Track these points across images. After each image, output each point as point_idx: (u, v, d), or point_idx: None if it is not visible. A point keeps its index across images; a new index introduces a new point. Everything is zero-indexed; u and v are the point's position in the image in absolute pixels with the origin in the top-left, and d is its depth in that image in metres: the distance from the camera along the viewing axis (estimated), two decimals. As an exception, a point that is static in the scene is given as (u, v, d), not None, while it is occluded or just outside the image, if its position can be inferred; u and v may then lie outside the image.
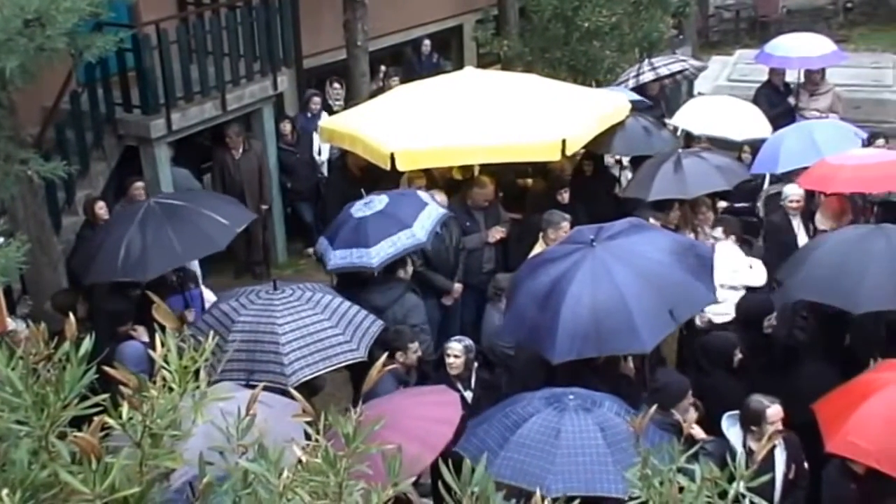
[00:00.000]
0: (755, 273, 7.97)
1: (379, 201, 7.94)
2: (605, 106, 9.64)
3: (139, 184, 9.19)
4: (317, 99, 11.37)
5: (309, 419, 2.59)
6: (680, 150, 9.27)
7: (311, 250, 11.09)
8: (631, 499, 2.59)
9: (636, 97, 10.60)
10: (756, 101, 11.55)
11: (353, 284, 7.81)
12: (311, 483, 2.42)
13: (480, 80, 9.82)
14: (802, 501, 5.99)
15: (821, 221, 8.46)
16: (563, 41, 12.95)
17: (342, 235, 7.76)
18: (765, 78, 12.23)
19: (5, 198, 7.32)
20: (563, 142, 8.50)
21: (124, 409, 2.46)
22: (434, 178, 9.41)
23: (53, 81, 8.62)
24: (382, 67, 12.70)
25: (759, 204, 9.39)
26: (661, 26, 13.71)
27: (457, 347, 6.76)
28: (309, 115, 11.27)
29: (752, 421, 5.77)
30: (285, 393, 4.66)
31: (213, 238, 7.67)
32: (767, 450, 5.03)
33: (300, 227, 11.48)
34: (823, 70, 11.84)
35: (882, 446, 5.27)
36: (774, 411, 5.72)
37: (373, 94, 11.27)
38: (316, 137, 10.80)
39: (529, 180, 10.08)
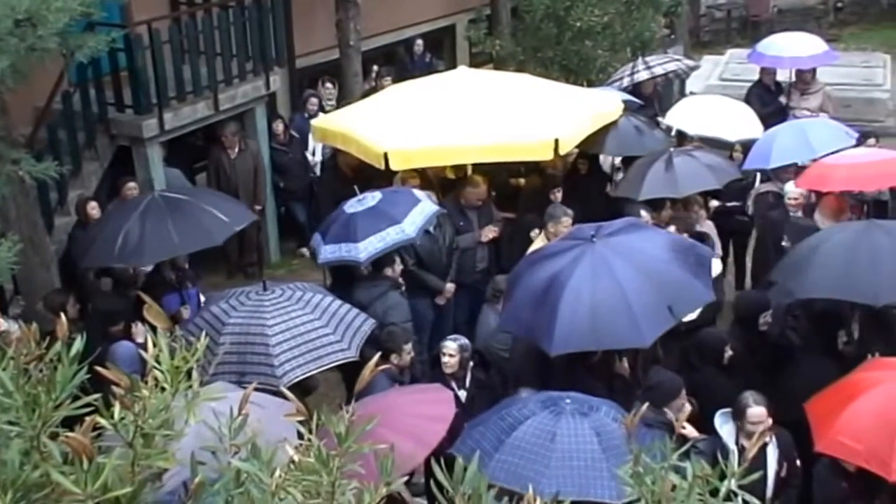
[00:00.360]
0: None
1: (372, 198, 7.98)
2: (598, 105, 9.66)
3: (132, 184, 9.18)
4: (314, 100, 11.37)
5: (301, 419, 2.59)
6: (672, 149, 9.29)
7: (304, 250, 11.12)
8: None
9: (627, 97, 10.61)
10: (748, 100, 11.60)
11: (345, 284, 7.82)
12: (304, 482, 2.42)
13: (473, 79, 9.83)
14: (794, 500, 6.01)
15: (820, 220, 8.50)
16: (556, 41, 12.97)
17: (333, 230, 7.81)
18: (756, 77, 12.27)
19: (-3, 198, 7.32)
20: (556, 141, 8.52)
21: (116, 409, 2.46)
22: (428, 178, 9.42)
23: (45, 81, 8.60)
24: (375, 67, 12.70)
25: (749, 203, 9.41)
26: (653, 26, 13.74)
27: (452, 346, 6.76)
28: (306, 115, 11.26)
29: (737, 415, 5.80)
30: (278, 394, 4.68)
31: (210, 233, 7.75)
32: (759, 447, 5.07)
33: (293, 226, 11.48)
34: (814, 69, 11.89)
35: (871, 446, 5.28)
36: (756, 412, 5.71)
37: (365, 94, 11.27)
38: (311, 137, 10.80)
39: (522, 180, 10.09)
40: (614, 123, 9.53)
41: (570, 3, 12.74)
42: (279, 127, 11.07)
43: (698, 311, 6.78)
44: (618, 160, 10.39)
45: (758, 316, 7.10)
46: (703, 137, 10.51)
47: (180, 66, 9.88)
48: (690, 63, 13.02)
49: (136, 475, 2.43)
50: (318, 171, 11.16)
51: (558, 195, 9.06)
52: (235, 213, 8.16)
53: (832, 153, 9.14)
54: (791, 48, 11.94)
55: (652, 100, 11.84)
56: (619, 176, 10.05)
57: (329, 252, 7.69)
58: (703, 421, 6.02)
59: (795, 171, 9.32)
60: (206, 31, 10.24)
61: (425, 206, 7.94)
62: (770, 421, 5.73)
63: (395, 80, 11.40)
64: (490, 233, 8.87)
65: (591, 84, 12.36)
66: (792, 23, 18.39)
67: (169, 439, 2.50)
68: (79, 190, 9.36)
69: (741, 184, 9.45)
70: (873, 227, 6.91)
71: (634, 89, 11.42)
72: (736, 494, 2.58)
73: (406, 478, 5.51)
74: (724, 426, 5.87)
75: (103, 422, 2.44)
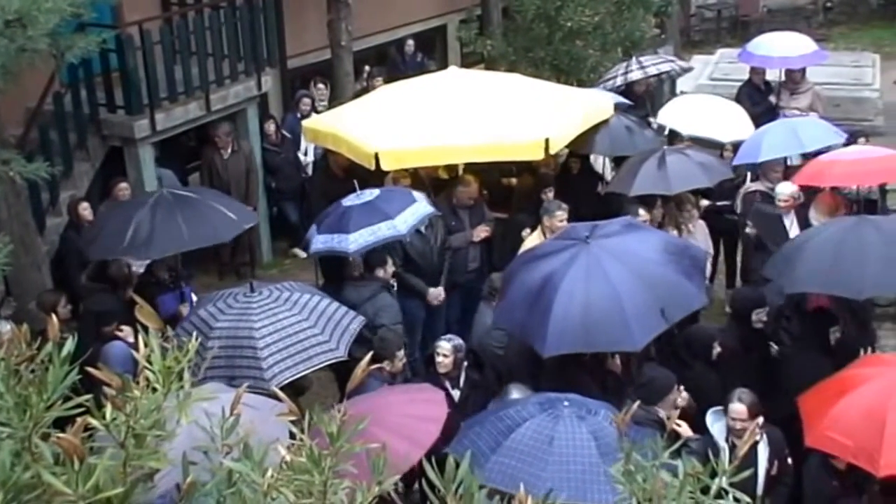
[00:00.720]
0: None
1: (370, 193, 8.02)
2: (589, 105, 9.67)
3: (124, 184, 9.17)
4: (307, 100, 11.37)
5: (294, 418, 2.59)
6: (665, 147, 9.31)
7: (296, 250, 11.12)
8: None
9: (618, 98, 10.62)
10: (738, 99, 11.63)
11: (336, 283, 7.82)
12: (296, 482, 2.42)
13: (464, 79, 9.83)
14: (785, 497, 6.03)
15: (814, 217, 8.54)
16: (547, 41, 12.99)
17: (328, 222, 7.83)
18: (746, 77, 12.31)
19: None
20: (547, 141, 8.53)
21: (108, 409, 2.45)
22: (420, 178, 9.42)
23: (36, 82, 8.59)
24: (366, 67, 12.71)
25: (738, 201, 9.44)
26: (644, 26, 13.78)
27: (446, 347, 6.75)
28: (298, 115, 11.26)
29: (725, 412, 5.83)
30: (271, 395, 4.66)
31: (218, 230, 7.78)
32: (749, 445, 5.08)
33: (285, 227, 11.47)
34: (804, 69, 11.93)
35: (859, 442, 5.30)
36: (735, 408, 5.74)
37: (357, 94, 11.27)
38: (303, 137, 10.80)
39: (514, 179, 10.11)
40: (605, 123, 9.55)
41: (560, 3, 12.77)
42: (271, 127, 11.06)
43: None
44: (608, 160, 10.41)
45: (751, 312, 7.13)
46: (694, 137, 10.54)
47: (172, 67, 9.87)
48: (683, 64, 13.05)
49: (128, 476, 2.43)
50: (309, 171, 11.16)
51: (550, 195, 9.07)
52: (242, 212, 8.23)
53: (822, 150, 9.24)
54: (780, 48, 11.97)
55: (644, 99, 11.87)
56: (612, 175, 10.07)
57: (321, 242, 7.70)
58: (692, 418, 6.04)
59: (784, 171, 9.38)
60: (198, 31, 10.23)
61: (420, 207, 7.95)
62: (761, 419, 5.75)
63: (387, 80, 11.40)
64: (482, 232, 8.88)
65: (581, 84, 12.38)
66: (782, 22, 18.48)
67: (161, 440, 2.50)
68: (70, 191, 9.34)
69: (732, 183, 9.48)
70: (864, 222, 6.96)
71: (627, 88, 11.44)
72: (727, 492, 2.59)
73: (398, 479, 5.49)
74: (714, 424, 5.88)
75: (95, 422, 2.43)
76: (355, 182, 8.63)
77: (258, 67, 10.79)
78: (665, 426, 5.39)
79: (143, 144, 9.73)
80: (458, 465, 2.48)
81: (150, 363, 2.54)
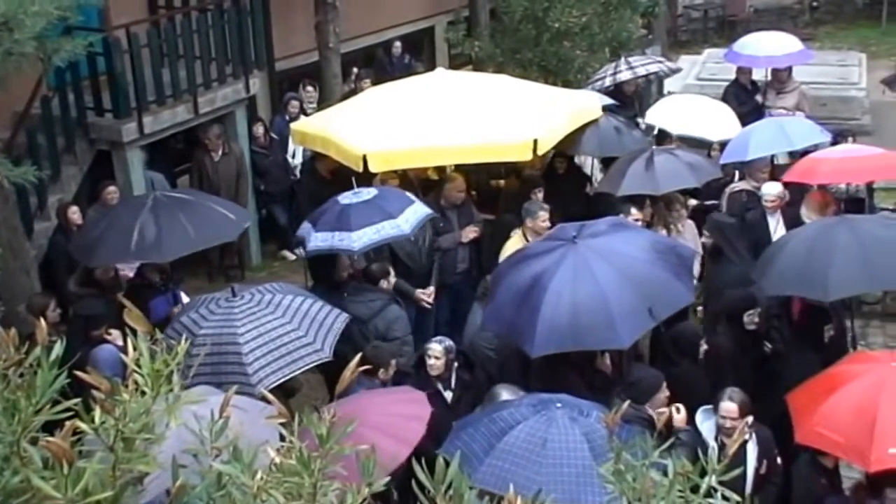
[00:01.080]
0: None
1: (367, 192, 7.98)
2: (577, 106, 9.69)
3: (112, 188, 9.15)
4: (295, 102, 11.37)
5: (283, 420, 2.59)
6: (653, 147, 9.34)
7: (285, 252, 11.10)
8: None
9: (605, 99, 10.64)
10: (725, 99, 11.69)
11: (328, 287, 7.78)
12: (286, 484, 2.42)
13: (452, 80, 9.84)
14: (774, 496, 6.05)
15: (805, 215, 8.58)
16: (534, 42, 13.01)
17: (325, 219, 7.71)
18: (733, 76, 12.36)
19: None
20: (535, 141, 8.54)
21: (97, 413, 2.45)
22: (408, 180, 9.42)
23: (24, 86, 8.55)
24: (354, 69, 12.70)
25: (723, 201, 9.48)
26: (631, 26, 13.81)
27: (437, 349, 6.74)
28: (287, 117, 11.25)
29: (716, 410, 5.85)
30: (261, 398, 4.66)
31: (222, 229, 7.77)
32: (739, 444, 5.10)
33: (274, 229, 11.46)
34: (790, 68, 11.99)
35: (850, 437, 5.33)
36: (725, 407, 5.76)
37: (345, 96, 11.27)
38: (291, 140, 10.78)
39: (502, 181, 10.12)
40: (594, 123, 9.57)
41: (548, 4, 12.79)
42: (259, 130, 11.06)
43: None
44: (597, 161, 10.43)
45: (743, 313, 7.16)
46: (682, 137, 10.57)
47: (159, 70, 9.85)
48: (672, 65, 13.10)
49: (117, 479, 2.43)
50: (298, 173, 11.15)
51: (539, 195, 9.08)
52: (238, 212, 8.19)
53: (810, 148, 9.29)
54: (767, 47, 12.03)
55: (632, 100, 11.89)
56: (601, 176, 10.09)
57: (321, 240, 7.56)
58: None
59: (772, 169, 9.42)
60: (185, 34, 10.21)
61: (419, 208, 7.95)
62: (751, 418, 5.77)
63: (375, 82, 11.41)
64: (470, 233, 8.88)
65: (568, 84, 12.40)
66: (768, 22, 18.57)
67: (150, 443, 2.49)
68: (58, 195, 9.31)
69: (719, 182, 9.51)
70: (842, 222, 6.96)
71: (616, 89, 11.47)
72: (716, 490, 2.60)
73: (392, 486, 5.49)
74: (704, 423, 5.91)
75: (84, 426, 2.43)
76: (353, 181, 8.59)
77: (246, 70, 10.77)
78: (654, 424, 5.41)
79: (131, 148, 9.70)
80: (447, 465, 2.49)
81: (138, 366, 2.54)
